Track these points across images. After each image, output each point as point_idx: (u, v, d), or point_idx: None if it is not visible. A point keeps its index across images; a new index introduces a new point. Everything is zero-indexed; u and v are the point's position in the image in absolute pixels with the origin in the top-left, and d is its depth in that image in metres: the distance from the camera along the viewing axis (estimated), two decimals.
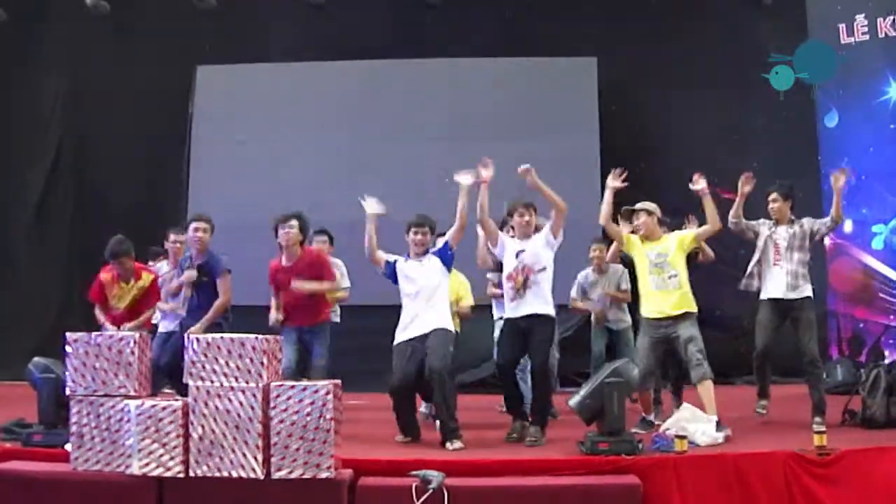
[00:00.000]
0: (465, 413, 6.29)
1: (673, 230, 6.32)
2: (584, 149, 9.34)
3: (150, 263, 7.59)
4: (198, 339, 4.61)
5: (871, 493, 4.85)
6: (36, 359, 5.45)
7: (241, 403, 4.49)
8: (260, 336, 4.60)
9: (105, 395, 4.70)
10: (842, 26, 9.35)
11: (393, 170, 9.36)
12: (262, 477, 4.45)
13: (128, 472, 4.56)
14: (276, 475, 4.46)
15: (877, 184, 9.24)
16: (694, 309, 6.02)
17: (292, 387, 4.55)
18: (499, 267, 6.32)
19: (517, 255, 5.88)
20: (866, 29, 9.23)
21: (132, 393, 4.70)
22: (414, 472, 4.57)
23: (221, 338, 4.62)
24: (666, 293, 6.00)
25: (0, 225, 10.52)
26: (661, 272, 6.03)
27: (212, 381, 4.53)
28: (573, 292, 7.27)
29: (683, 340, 5.92)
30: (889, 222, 9.21)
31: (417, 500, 4.45)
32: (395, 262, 5.99)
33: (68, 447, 4.76)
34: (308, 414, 4.46)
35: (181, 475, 4.50)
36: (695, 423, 5.40)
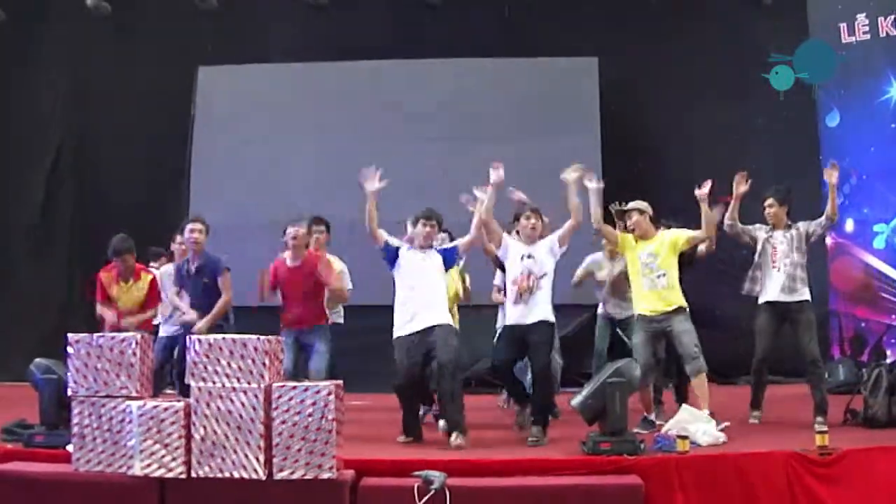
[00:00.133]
0: (467, 413, 6.29)
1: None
2: (585, 149, 9.31)
3: (152, 264, 7.60)
4: (199, 341, 4.61)
5: (873, 493, 4.85)
6: (37, 360, 5.44)
7: (242, 404, 4.49)
8: (261, 337, 4.60)
9: (107, 396, 4.70)
10: (843, 26, 9.34)
11: (394, 170, 9.24)
12: (263, 478, 4.45)
13: (129, 472, 4.56)
14: (278, 476, 4.45)
15: (878, 183, 9.24)
16: (685, 304, 6.10)
17: (294, 387, 4.55)
18: (501, 267, 6.34)
19: (522, 259, 5.91)
20: (867, 28, 9.22)
21: (134, 394, 4.70)
22: (416, 473, 4.57)
23: (223, 339, 4.62)
24: (656, 292, 6.08)
25: (1, 225, 10.52)
26: (651, 272, 6.09)
27: (213, 382, 4.53)
28: (579, 271, 7.16)
29: (678, 333, 6.00)
30: (890, 222, 9.20)
31: (419, 500, 4.45)
32: (399, 248, 6.00)
33: (70, 448, 4.76)
34: (310, 414, 4.46)
35: (183, 476, 4.50)
36: (696, 424, 5.41)
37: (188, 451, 4.51)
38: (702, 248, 6.57)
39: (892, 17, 9.09)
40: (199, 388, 4.54)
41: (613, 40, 10.07)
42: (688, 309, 6.12)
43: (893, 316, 9.06)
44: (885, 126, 9.20)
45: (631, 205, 6.26)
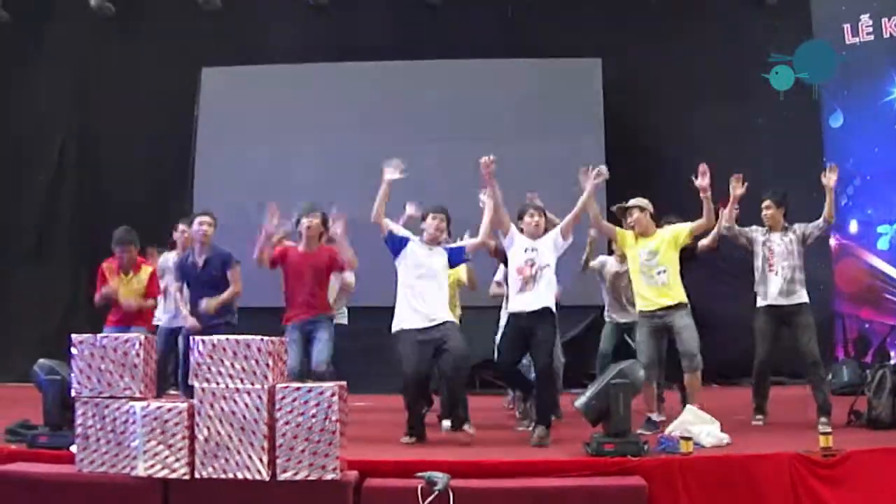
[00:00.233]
0: (471, 413, 6.29)
1: None
2: (588, 150, 9.32)
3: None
4: (203, 341, 4.62)
5: (877, 494, 4.84)
6: (41, 360, 5.45)
7: (246, 405, 4.49)
8: (265, 338, 4.60)
9: (110, 397, 4.70)
10: (846, 26, 9.34)
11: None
12: (267, 478, 4.44)
13: (133, 473, 4.55)
14: (282, 477, 4.45)
15: (882, 184, 9.24)
16: (685, 300, 6.12)
17: (298, 388, 4.54)
18: (504, 261, 6.37)
19: (526, 251, 5.98)
20: (871, 29, 9.22)
21: (137, 395, 4.70)
22: (420, 474, 4.56)
23: (227, 339, 4.62)
24: (656, 289, 6.10)
25: (2, 225, 10.54)
26: (651, 270, 6.12)
27: (217, 383, 4.53)
28: (592, 261, 7.17)
29: (679, 329, 6.04)
30: (894, 223, 9.20)
31: (423, 501, 4.44)
32: (408, 240, 6.05)
33: (73, 449, 4.76)
34: (313, 415, 4.46)
35: (186, 477, 4.50)
36: (699, 425, 5.40)
37: (192, 451, 4.51)
38: (704, 242, 6.59)
39: None
40: (203, 389, 4.54)
41: (615, 41, 10.08)
42: (689, 305, 6.14)
43: None
44: (889, 127, 9.20)
45: (631, 202, 6.29)
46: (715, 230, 6.50)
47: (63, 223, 10.55)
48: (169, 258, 7.44)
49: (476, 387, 8.70)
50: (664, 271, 6.09)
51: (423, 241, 6.08)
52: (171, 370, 7.28)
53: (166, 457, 4.51)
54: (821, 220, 6.41)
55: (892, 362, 7.44)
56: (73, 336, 4.84)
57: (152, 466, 4.51)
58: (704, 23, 10.09)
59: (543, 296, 5.90)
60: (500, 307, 6.95)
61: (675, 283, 6.12)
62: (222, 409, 4.50)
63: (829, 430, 5.07)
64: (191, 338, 4.78)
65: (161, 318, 7.31)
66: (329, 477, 4.43)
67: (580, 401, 5.19)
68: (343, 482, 4.49)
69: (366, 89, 10.03)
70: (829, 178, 6.38)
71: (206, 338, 4.67)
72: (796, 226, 6.47)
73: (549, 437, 5.65)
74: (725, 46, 9.98)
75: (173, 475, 4.50)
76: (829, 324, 9.32)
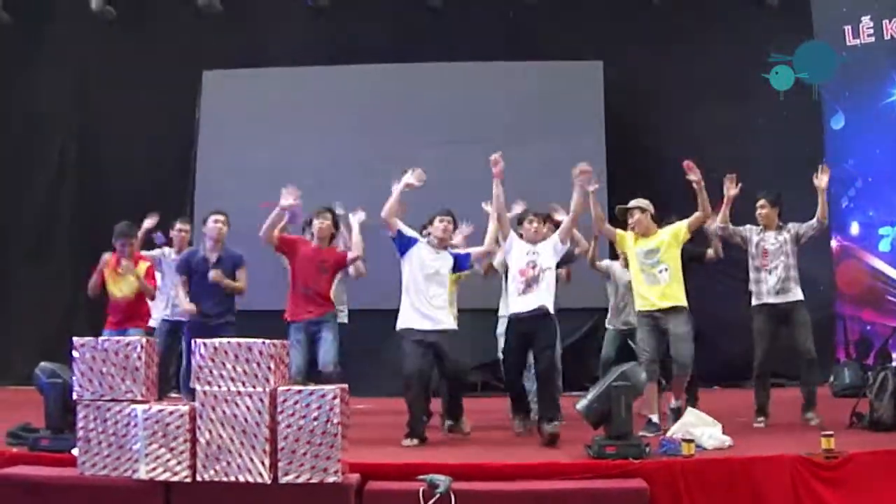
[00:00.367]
0: (472, 416, 6.31)
1: None
2: (590, 152, 9.28)
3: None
4: (205, 344, 4.62)
5: (879, 496, 4.84)
6: (42, 363, 5.45)
7: (248, 408, 4.49)
8: (267, 341, 4.60)
9: (112, 400, 4.71)
10: (847, 28, 9.33)
11: (396, 173, 9.29)
12: (269, 481, 4.44)
13: (135, 476, 4.56)
14: (284, 480, 4.45)
15: (883, 186, 9.23)
16: (684, 303, 6.14)
17: (299, 391, 4.55)
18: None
19: (527, 254, 6.06)
20: (872, 31, 9.21)
21: (139, 398, 4.71)
22: (421, 477, 4.56)
23: (228, 342, 4.62)
24: (657, 287, 6.12)
25: (2, 226, 10.54)
26: (652, 268, 6.14)
27: (219, 386, 4.53)
28: (601, 263, 7.23)
29: (674, 336, 6.06)
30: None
31: None
32: (416, 240, 6.12)
33: (75, 452, 4.76)
34: (315, 418, 4.46)
35: (188, 480, 4.50)
36: (701, 427, 5.40)
37: (193, 454, 4.51)
38: (711, 254, 6.76)
39: None
40: (205, 392, 4.55)
41: (616, 42, 10.08)
42: (688, 309, 6.16)
43: None
44: (890, 128, 9.18)
45: (632, 203, 6.33)
46: (712, 251, 6.71)
47: (63, 223, 10.53)
48: (162, 253, 7.45)
49: (478, 389, 8.70)
50: (666, 269, 6.11)
51: (431, 243, 6.11)
52: (172, 372, 7.29)
53: (168, 460, 4.51)
54: (814, 220, 6.49)
55: (893, 364, 7.44)
56: (75, 339, 4.85)
57: (154, 469, 4.51)
58: (705, 24, 10.09)
59: (544, 298, 5.98)
60: (496, 309, 6.95)
61: (676, 282, 6.14)
62: (224, 412, 4.51)
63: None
64: (192, 341, 4.78)
65: (158, 316, 7.32)
66: (331, 480, 4.43)
67: (581, 403, 5.19)
68: (345, 485, 4.49)
69: (366, 92, 10.02)
70: (821, 180, 6.48)
71: (207, 341, 4.67)
72: (790, 225, 6.55)
73: (559, 421, 5.73)
74: (726, 47, 9.97)
75: (175, 478, 4.51)
76: (831, 325, 9.31)
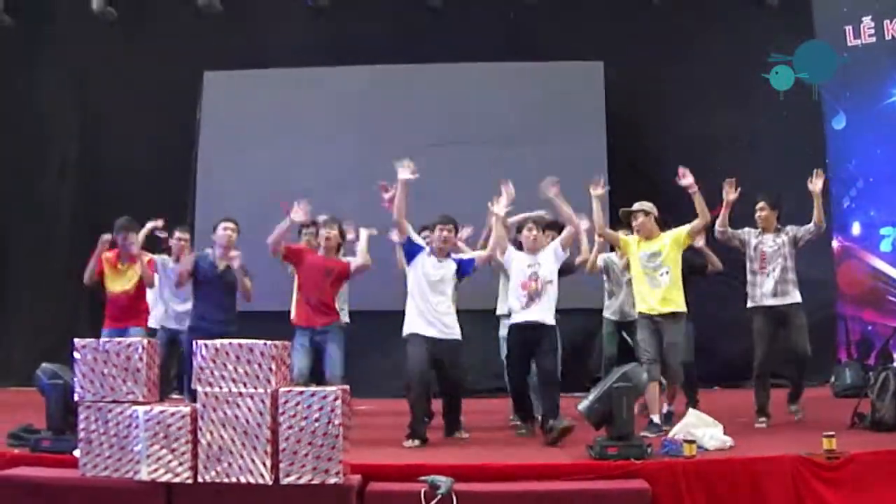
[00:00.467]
0: (473, 416, 6.31)
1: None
2: (591, 153, 9.32)
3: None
4: (206, 345, 4.62)
5: (881, 497, 4.84)
6: (44, 364, 5.45)
7: (249, 409, 4.49)
8: (268, 342, 4.61)
9: (113, 401, 4.71)
10: (848, 28, 9.33)
11: (397, 174, 9.32)
12: (270, 483, 4.45)
13: (136, 477, 4.56)
14: (285, 481, 4.45)
15: (885, 186, 9.22)
16: (682, 309, 6.17)
17: (301, 392, 4.55)
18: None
19: (529, 266, 6.07)
20: (873, 31, 9.20)
21: (140, 399, 4.71)
22: (423, 478, 4.57)
23: (230, 344, 4.62)
24: (658, 290, 6.15)
25: (6, 229, 10.54)
26: (654, 271, 6.18)
27: (220, 388, 4.53)
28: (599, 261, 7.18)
29: (667, 344, 6.10)
30: None
31: None
32: (421, 248, 6.12)
33: (76, 453, 4.76)
34: (316, 419, 4.46)
35: (189, 481, 4.51)
36: (702, 428, 5.40)
37: (195, 456, 4.51)
38: (711, 268, 6.86)
39: None
40: (206, 394, 4.55)
41: (616, 42, 10.06)
42: (685, 314, 6.19)
43: None
44: (892, 129, 9.17)
45: (636, 206, 6.34)
46: (711, 266, 6.79)
47: (63, 223, 10.53)
48: (167, 263, 7.42)
49: (478, 391, 8.68)
50: (667, 272, 6.14)
51: (432, 252, 6.10)
52: (173, 374, 7.28)
53: (169, 461, 4.52)
54: (811, 224, 6.53)
55: (895, 364, 7.43)
56: (76, 340, 4.85)
57: (155, 470, 4.52)
58: (705, 24, 10.07)
59: (546, 312, 6.03)
60: (494, 309, 6.95)
61: (676, 286, 6.17)
62: (225, 414, 4.51)
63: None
64: (193, 342, 4.78)
65: (156, 323, 7.31)
66: (332, 481, 4.44)
67: (583, 404, 5.20)
68: (346, 486, 4.49)
69: (367, 92, 10.01)
70: (815, 184, 6.51)
71: (209, 342, 4.67)
72: (788, 227, 6.60)
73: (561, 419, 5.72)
74: (726, 47, 9.96)
75: (176, 479, 4.51)
76: (832, 326, 9.31)
